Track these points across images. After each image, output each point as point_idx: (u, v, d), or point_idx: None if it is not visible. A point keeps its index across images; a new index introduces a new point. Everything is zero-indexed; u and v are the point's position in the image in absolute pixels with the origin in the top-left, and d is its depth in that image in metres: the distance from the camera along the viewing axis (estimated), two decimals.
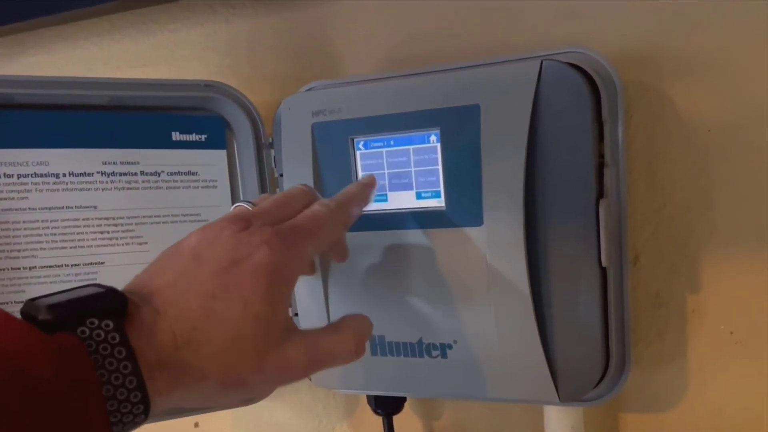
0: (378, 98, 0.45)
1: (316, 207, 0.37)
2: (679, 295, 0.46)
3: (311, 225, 0.36)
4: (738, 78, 0.43)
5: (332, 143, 0.46)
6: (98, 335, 0.27)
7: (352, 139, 0.46)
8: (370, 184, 0.43)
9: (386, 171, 0.45)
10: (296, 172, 0.48)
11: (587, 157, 0.41)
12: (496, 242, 0.42)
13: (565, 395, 0.42)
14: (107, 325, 0.27)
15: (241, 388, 0.31)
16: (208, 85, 0.53)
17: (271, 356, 0.31)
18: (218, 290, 0.31)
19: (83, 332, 0.27)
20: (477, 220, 0.43)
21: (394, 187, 0.45)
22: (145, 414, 0.28)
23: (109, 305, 0.28)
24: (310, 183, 0.47)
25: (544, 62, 0.40)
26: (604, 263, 0.41)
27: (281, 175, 0.50)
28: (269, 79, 0.58)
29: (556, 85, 0.40)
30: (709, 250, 0.45)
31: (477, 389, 0.44)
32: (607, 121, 0.41)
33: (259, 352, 0.31)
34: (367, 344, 0.46)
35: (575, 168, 0.41)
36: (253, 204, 0.37)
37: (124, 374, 0.27)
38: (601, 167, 0.42)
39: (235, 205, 0.38)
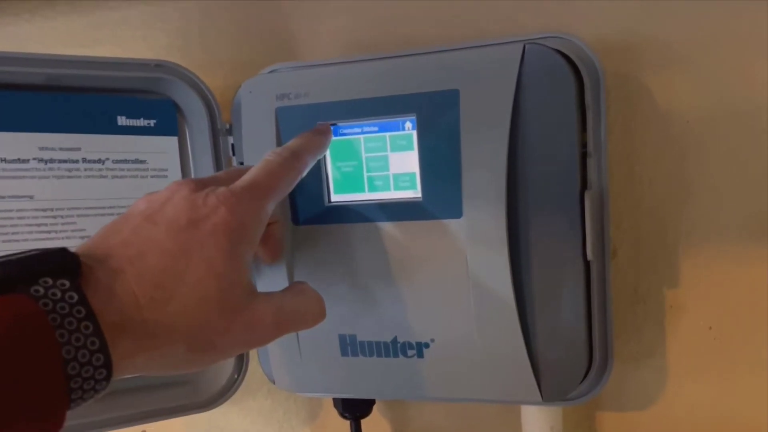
0: (349, 82, 0.42)
1: (267, 157, 0.36)
2: (658, 291, 0.45)
3: (266, 178, 0.35)
4: (716, 70, 0.43)
5: (298, 129, 0.43)
6: (54, 294, 0.25)
7: None
8: (323, 131, 0.41)
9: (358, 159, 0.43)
10: (259, 159, 0.44)
11: (572, 146, 0.39)
12: (477, 235, 0.40)
13: (548, 394, 0.40)
14: (63, 284, 0.25)
15: (209, 350, 0.30)
16: (159, 65, 0.48)
17: (239, 316, 0.31)
18: (178, 249, 0.29)
19: (37, 291, 0.25)
20: (456, 211, 0.40)
21: (368, 178, 0.42)
22: (107, 379, 0.26)
23: (62, 263, 0.26)
24: None
25: (527, 46, 0.38)
26: (589, 257, 0.39)
27: (241, 164, 0.46)
28: (222, 63, 0.54)
29: (539, 70, 0.38)
30: (688, 243, 0.44)
31: (455, 390, 0.42)
32: (590, 108, 0.40)
33: (226, 313, 0.30)
34: (337, 344, 0.44)
35: (559, 157, 0.39)
36: None
37: (85, 335, 0.25)
38: (583, 157, 0.40)
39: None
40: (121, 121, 0.49)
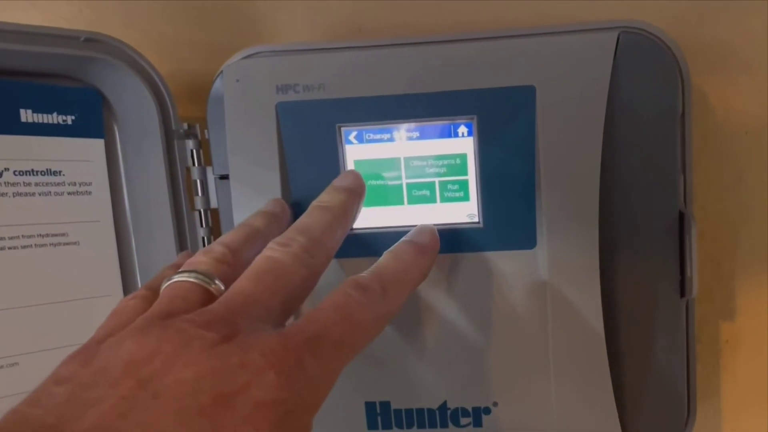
0: (382, 72, 0.32)
1: (348, 290, 0.23)
2: (712, 324, 0.40)
3: (344, 326, 0.22)
4: None
5: (308, 133, 0.32)
6: None
7: (340, 128, 0.32)
8: (432, 247, 0.29)
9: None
10: (252, 172, 0.32)
11: (673, 160, 0.32)
12: (558, 270, 0.31)
13: None
14: None
15: None
16: (91, 40, 0.35)
17: None
18: None
19: None
20: (527, 240, 0.32)
21: (409, 199, 0.32)
22: None
23: None
24: (276, 189, 0.32)
25: (622, 34, 0.31)
26: (692, 293, 0.32)
27: (223, 177, 0.34)
28: (158, 41, 0.41)
29: (639, 64, 0.31)
30: (746, 272, 0.39)
31: None
32: (678, 114, 0.33)
33: None
34: (362, 415, 0.33)
35: (659, 173, 0.32)
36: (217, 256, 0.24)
37: None
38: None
39: (183, 253, 0.24)
40: (26, 116, 0.35)
